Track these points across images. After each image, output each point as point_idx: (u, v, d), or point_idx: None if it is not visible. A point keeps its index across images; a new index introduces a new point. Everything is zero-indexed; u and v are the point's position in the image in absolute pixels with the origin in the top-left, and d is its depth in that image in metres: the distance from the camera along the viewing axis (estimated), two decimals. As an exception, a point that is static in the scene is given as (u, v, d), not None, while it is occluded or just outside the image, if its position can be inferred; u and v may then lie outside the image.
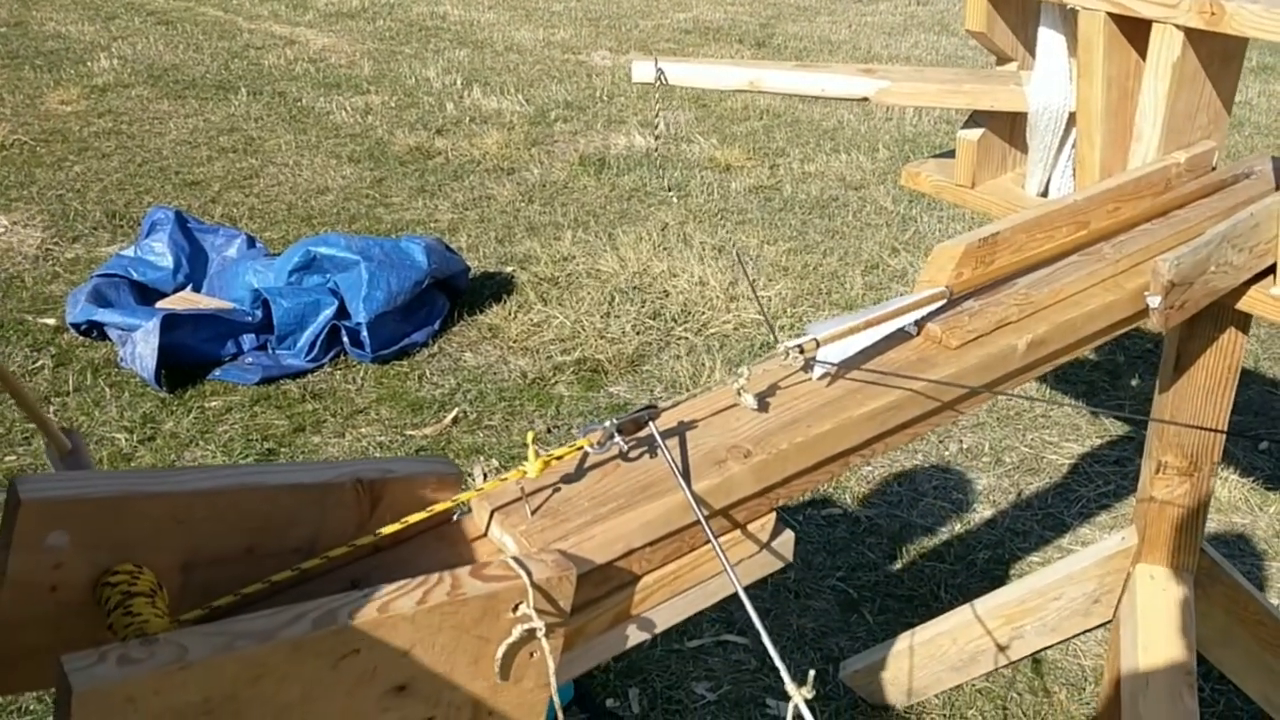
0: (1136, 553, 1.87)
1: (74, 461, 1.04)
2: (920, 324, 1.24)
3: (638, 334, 3.74)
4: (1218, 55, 1.50)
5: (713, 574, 1.11)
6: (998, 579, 2.59)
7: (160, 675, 0.75)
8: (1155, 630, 1.80)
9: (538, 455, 1.03)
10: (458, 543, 1.04)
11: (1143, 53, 1.50)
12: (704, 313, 3.88)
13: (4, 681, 0.91)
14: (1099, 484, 2.98)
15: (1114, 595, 1.94)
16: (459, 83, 7.15)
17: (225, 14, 9.37)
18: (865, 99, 1.71)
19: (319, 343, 3.48)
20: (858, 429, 1.14)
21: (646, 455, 1.09)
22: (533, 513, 1.01)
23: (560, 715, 0.98)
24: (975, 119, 1.77)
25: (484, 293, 4.03)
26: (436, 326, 3.70)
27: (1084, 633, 2.24)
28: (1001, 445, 3.17)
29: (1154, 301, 1.29)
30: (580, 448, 1.05)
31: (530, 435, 1.04)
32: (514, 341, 3.70)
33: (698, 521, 1.03)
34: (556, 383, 3.45)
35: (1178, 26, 1.42)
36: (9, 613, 0.87)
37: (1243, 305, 1.48)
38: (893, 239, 4.60)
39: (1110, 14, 1.48)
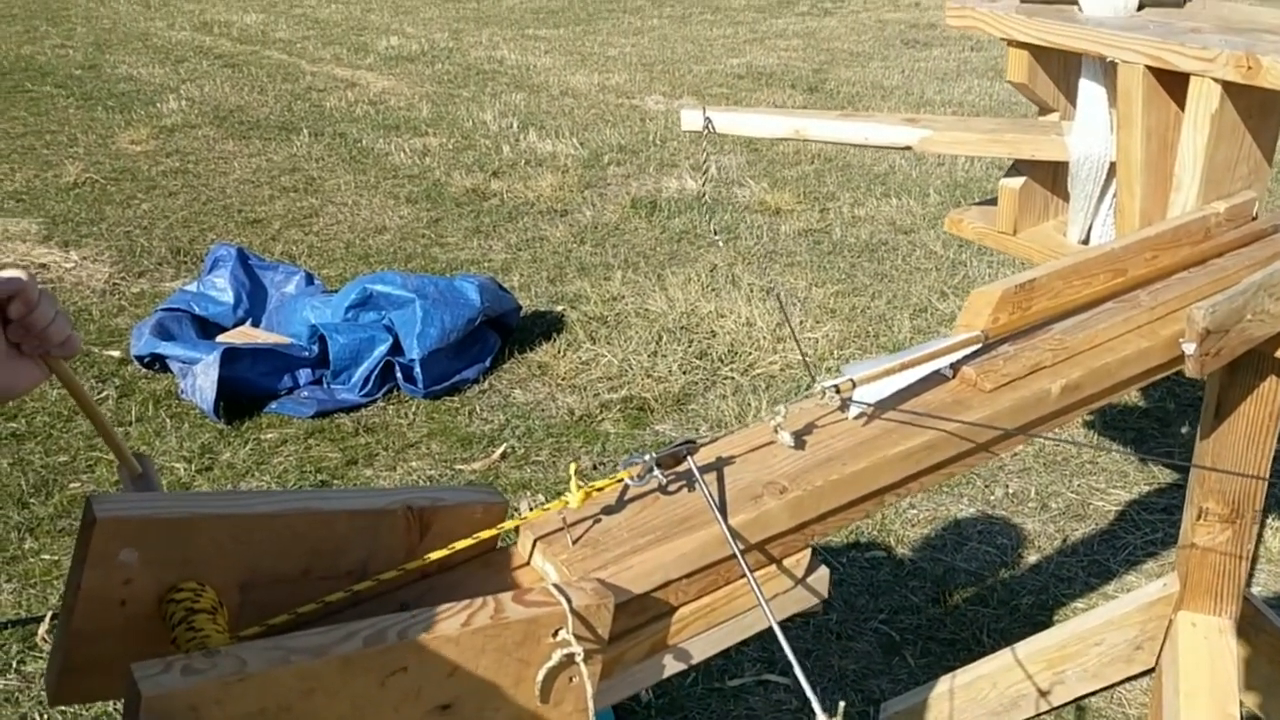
0: (1178, 600, 1.86)
1: (143, 484, 1.10)
2: (956, 367, 1.27)
3: (684, 373, 3.78)
4: (1256, 107, 1.52)
5: (748, 608, 1.15)
6: (1041, 624, 2.57)
7: (221, 685, 0.80)
8: (1197, 679, 1.79)
9: (580, 487, 1.07)
10: (503, 570, 1.08)
11: (1181, 104, 1.53)
12: (750, 353, 3.92)
13: (75, 690, 0.97)
14: (1146, 531, 2.96)
15: (1156, 642, 1.93)
16: (515, 126, 7.28)
17: (289, 57, 9.64)
18: (908, 148, 1.75)
19: (373, 378, 3.56)
20: (892, 468, 1.17)
21: (685, 489, 1.13)
22: (574, 542, 1.05)
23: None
24: (1018, 167, 1.80)
25: (534, 331, 4.09)
26: (488, 363, 3.77)
27: (1127, 680, 2.23)
28: (1048, 490, 3.16)
29: (1189, 348, 1.31)
30: (620, 480, 1.09)
31: (573, 467, 1.08)
32: (562, 379, 3.75)
33: (733, 555, 1.07)
34: (603, 420, 3.50)
35: (1215, 80, 1.45)
36: (82, 624, 0.92)
37: (1282, 354, 1.50)
38: (941, 283, 4.61)
39: (1149, 67, 1.51)
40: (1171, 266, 1.48)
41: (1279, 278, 1.40)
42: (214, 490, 3.13)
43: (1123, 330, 1.34)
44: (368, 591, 1.01)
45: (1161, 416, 3.56)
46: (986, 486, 3.17)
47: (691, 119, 1.85)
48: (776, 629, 1.06)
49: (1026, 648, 2.10)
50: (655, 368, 3.81)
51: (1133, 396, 3.68)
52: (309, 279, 4.05)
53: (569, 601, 0.94)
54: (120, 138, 6.77)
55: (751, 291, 4.48)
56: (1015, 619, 2.63)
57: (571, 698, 0.98)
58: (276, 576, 1.00)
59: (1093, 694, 2.24)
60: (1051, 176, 1.80)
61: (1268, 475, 1.70)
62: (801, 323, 4.19)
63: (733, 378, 3.79)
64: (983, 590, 2.73)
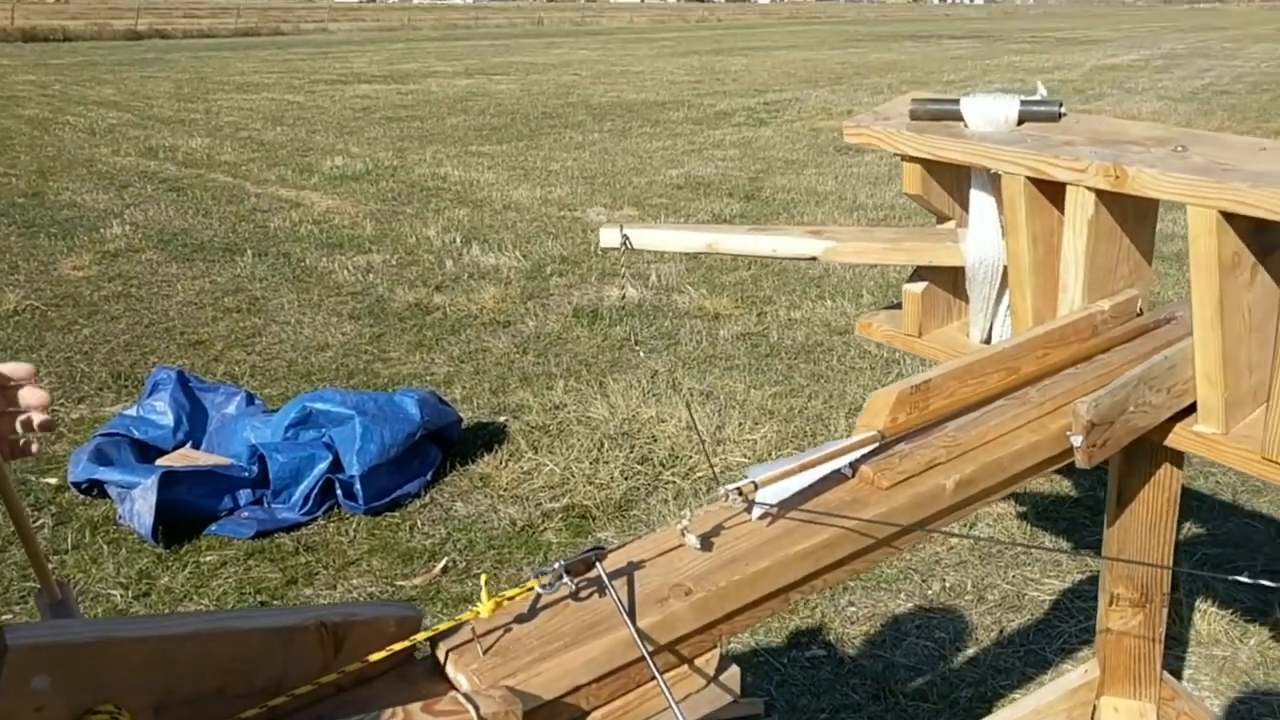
0: (1100, 685, 1.91)
1: (62, 610, 1.12)
2: (855, 466, 1.33)
3: (626, 479, 3.81)
4: (1130, 212, 1.63)
5: (661, 709, 1.17)
6: (980, 716, 2.60)
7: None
8: (1123, 763, 1.82)
9: (490, 597, 1.11)
10: (418, 682, 1.11)
11: (1062, 210, 1.63)
12: (691, 457, 3.97)
13: (-13, 819, 0.97)
14: (1080, 619, 3.01)
15: (1087, 730, 1.97)
16: (458, 240, 7.41)
17: (234, 179, 9.76)
18: (814, 258, 1.84)
19: (313, 496, 3.56)
20: (794, 566, 1.22)
21: (596, 595, 1.16)
22: (484, 652, 1.08)
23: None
24: (919, 273, 1.89)
25: (476, 442, 4.12)
26: (429, 477, 3.79)
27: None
28: (984, 583, 3.21)
29: (1076, 440, 1.38)
30: (531, 589, 1.13)
31: (484, 579, 1.12)
32: (504, 490, 3.77)
33: (642, 658, 1.10)
34: (545, 530, 3.51)
35: (1088, 188, 1.55)
36: (-8, 753, 0.93)
37: (1170, 442, 1.57)
38: (876, 381, 4.71)
39: (1029, 177, 1.61)
40: (1061, 363, 1.56)
41: (1157, 370, 1.48)
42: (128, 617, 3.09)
43: (1014, 426, 1.41)
44: (283, 707, 1.03)
45: (1092, 505, 3.64)
46: (924, 581, 3.22)
47: (610, 237, 1.92)
48: (687, 728, 1.09)
49: (960, 741, 2.12)
50: (597, 475, 3.84)
51: (1065, 487, 3.77)
52: (249, 399, 4.06)
53: (476, 709, 0.97)
54: (62, 264, 6.79)
55: (691, 396, 4.56)
56: (954, 712, 2.65)
57: (483, 805, 1.00)
58: (191, 696, 1.02)
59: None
60: (952, 281, 1.89)
61: (1171, 561, 1.77)
62: (740, 425, 4.25)
63: (674, 482, 3.83)
64: (922, 685, 2.75)
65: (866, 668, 2.82)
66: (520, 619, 1.13)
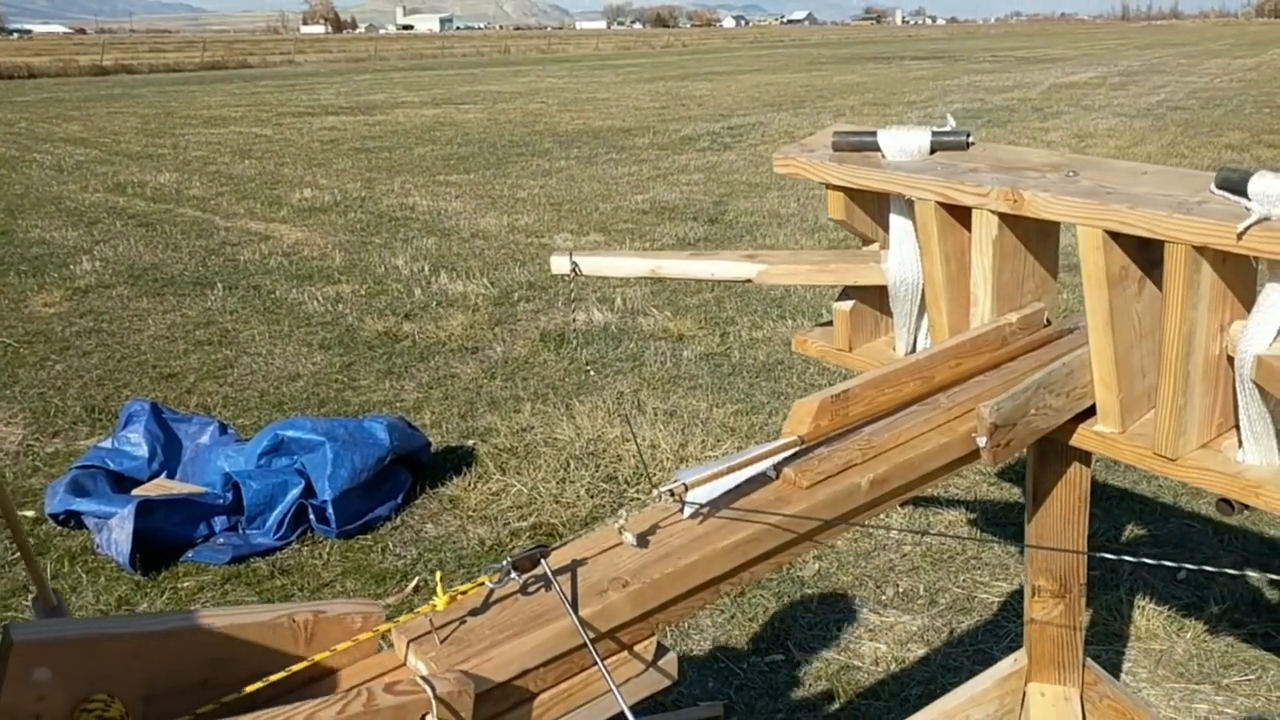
0: (1027, 673, 2.04)
1: (55, 614, 1.24)
2: (779, 468, 1.46)
3: (591, 497, 3.94)
4: (1033, 232, 1.77)
5: (603, 692, 1.30)
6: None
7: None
8: (1048, 743, 1.96)
9: (445, 592, 1.23)
10: (381, 669, 1.23)
11: (971, 231, 1.77)
12: (655, 473, 4.09)
13: (-7, 799, 1.08)
14: (1026, 619, 3.15)
15: (1014, 715, 2.10)
16: (426, 269, 7.52)
17: (203, 214, 9.84)
18: (749, 280, 1.98)
19: (287, 521, 3.66)
20: (723, 559, 1.35)
21: (542, 590, 1.29)
22: (441, 641, 1.20)
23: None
24: (847, 293, 2.03)
25: (446, 465, 4.23)
26: (399, 500, 3.89)
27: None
28: (936, 587, 3.35)
29: (981, 441, 1.52)
30: (482, 584, 1.25)
31: (438, 575, 1.24)
32: (473, 511, 3.88)
33: (584, 644, 1.23)
34: (514, 547, 3.63)
35: (991, 211, 1.70)
36: (0, 738, 1.05)
37: (1074, 442, 1.71)
38: (835, 398, 4.85)
39: (939, 202, 1.76)
40: (972, 371, 1.70)
41: (1056, 376, 1.62)
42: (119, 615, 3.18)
43: (924, 429, 1.55)
44: (261, 694, 1.15)
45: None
46: (878, 587, 3.35)
47: (559, 264, 2.06)
48: (625, 709, 1.22)
49: (903, 730, 2.25)
50: (564, 494, 3.96)
51: (1014, 494, 3.92)
52: (222, 429, 4.16)
53: (433, 689, 1.09)
54: (33, 301, 6.85)
55: (656, 415, 4.69)
56: (905, 709, 2.78)
57: (439, 776, 1.12)
58: (176, 687, 1.14)
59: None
60: (878, 298, 2.03)
61: (1085, 549, 1.91)
62: (703, 442, 4.38)
63: (639, 499, 3.95)
64: (875, 685, 2.88)
65: (822, 670, 2.95)
66: (474, 612, 1.25)
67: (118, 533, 3.47)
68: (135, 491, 3.84)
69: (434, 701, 1.09)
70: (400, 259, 7.80)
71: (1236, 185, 1.47)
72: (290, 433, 3.80)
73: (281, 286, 7.14)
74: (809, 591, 3.34)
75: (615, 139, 15.28)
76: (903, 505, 3.89)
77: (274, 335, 6.09)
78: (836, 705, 2.81)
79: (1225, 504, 1.58)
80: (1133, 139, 14.82)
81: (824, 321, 2.20)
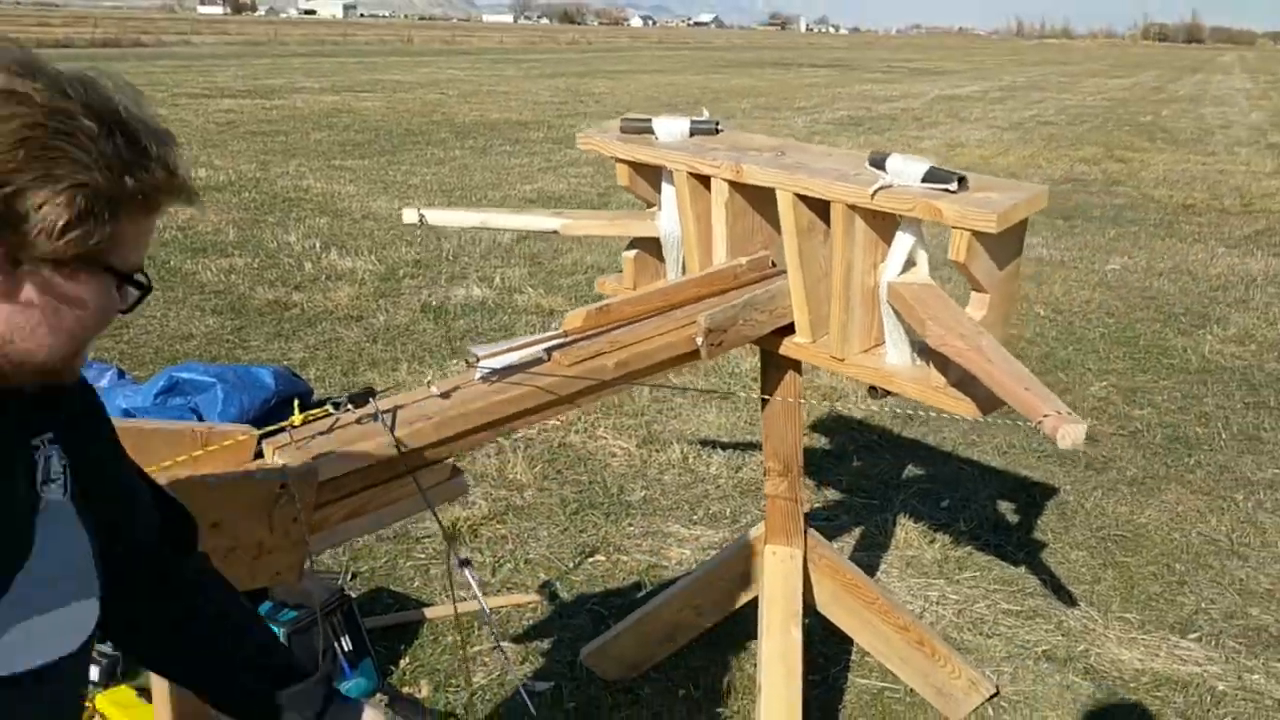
0: (764, 537, 2.67)
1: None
2: (550, 353, 2.05)
3: (455, 439, 4.48)
4: (758, 198, 2.39)
5: (411, 494, 1.87)
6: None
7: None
8: (774, 591, 2.58)
9: (300, 414, 1.79)
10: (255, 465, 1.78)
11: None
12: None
13: None
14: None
15: (760, 572, 2.72)
16: (317, 246, 7.95)
17: (99, 188, 10.05)
18: (555, 231, 2.57)
19: (180, 451, 4.13)
20: (501, 408, 1.92)
21: (370, 420, 1.85)
22: (296, 447, 1.76)
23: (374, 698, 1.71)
24: (633, 244, 2.63)
25: (327, 412, 4.73)
26: (283, 438, 4.38)
27: (748, 603, 2.97)
28: (740, 510, 3.98)
29: (699, 339, 2.13)
30: (328, 413, 1.81)
31: (296, 404, 1.80)
32: (350, 448, 4.40)
33: (398, 455, 1.79)
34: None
35: (723, 179, 2.31)
36: None
37: (782, 350, 2.34)
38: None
39: (690, 173, 2.36)
40: (706, 296, 2.31)
41: (760, 298, 2.24)
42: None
43: (658, 332, 2.15)
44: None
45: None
46: (692, 510, 3.98)
47: (410, 215, 2.62)
48: (427, 500, 1.80)
49: (677, 588, 2.86)
50: (431, 436, 4.50)
51: (822, 441, 4.58)
52: (120, 374, 4.60)
53: (285, 470, 1.65)
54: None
55: (519, 375, 5.24)
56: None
57: (295, 530, 1.68)
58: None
59: (732, 614, 2.97)
60: (656, 248, 2.63)
61: (800, 443, 2.54)
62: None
63: (498, 441, 4.51)
64: (676, 578, 3.50)
65: (634, 568, 3.55)
66: (321, 432, 1.81)
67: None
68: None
69: (288, 476, 1.65)
70: (292, 236, 8.22)
71: (879, 163, 2.11)
72: (184, 375, 4.27)
73: (176, 258, 7.51)
74: (633, 513, 3.95)
75: (511, 131, 15.78)
76: (723, 449, 4.53)
77: (168, 301, 6.48)
78: (642, 593, 3.42)
79: (873, 390, 2.22)
80: (998, 149, 15.85)
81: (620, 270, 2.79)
